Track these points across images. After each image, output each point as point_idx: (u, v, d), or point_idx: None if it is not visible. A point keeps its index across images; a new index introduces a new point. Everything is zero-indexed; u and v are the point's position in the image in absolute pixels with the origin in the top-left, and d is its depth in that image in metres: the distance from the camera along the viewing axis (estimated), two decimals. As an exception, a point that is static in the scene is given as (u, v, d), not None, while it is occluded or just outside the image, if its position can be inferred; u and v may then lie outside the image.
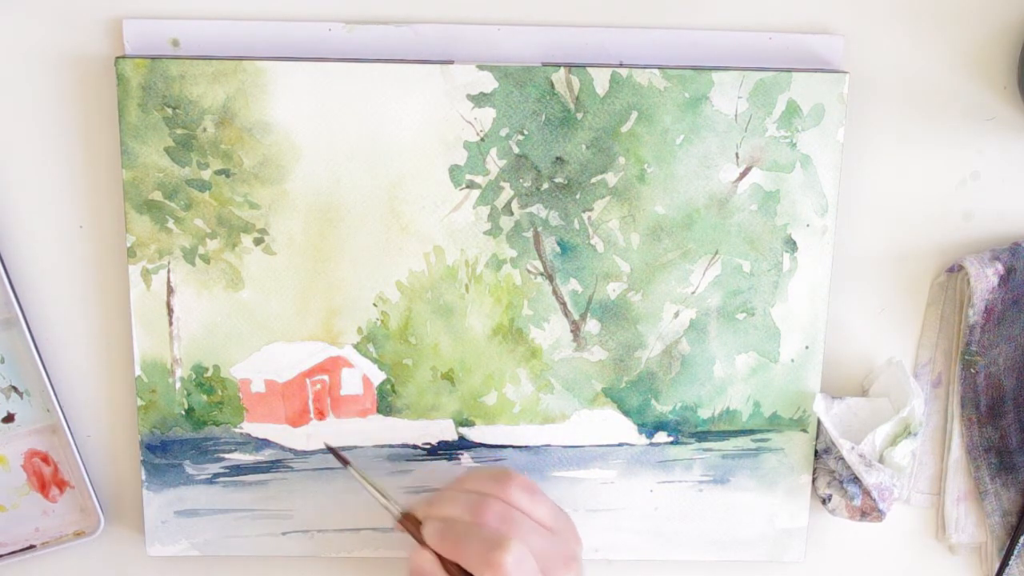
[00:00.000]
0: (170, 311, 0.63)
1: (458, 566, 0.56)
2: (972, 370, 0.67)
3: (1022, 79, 0.63)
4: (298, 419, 0.65)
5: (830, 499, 0.67)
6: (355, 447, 0.66)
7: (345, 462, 0.63)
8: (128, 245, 0.62)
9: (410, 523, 0.60)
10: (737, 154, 0.62)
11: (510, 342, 0.65)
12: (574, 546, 0.60)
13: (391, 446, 0.66)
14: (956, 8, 0.63)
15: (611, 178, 0.62)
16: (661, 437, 0.67)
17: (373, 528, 0.68)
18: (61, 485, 0.67)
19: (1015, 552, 0.70)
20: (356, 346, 0.64)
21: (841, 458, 0.65)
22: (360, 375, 0.65)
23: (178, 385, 0.64)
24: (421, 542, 0.58)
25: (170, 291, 0.63)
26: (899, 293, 0.68)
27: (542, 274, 0.64)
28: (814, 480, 0.68)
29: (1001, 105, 0.65)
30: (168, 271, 0.63)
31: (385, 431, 0.66)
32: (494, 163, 0.62)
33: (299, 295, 0.63)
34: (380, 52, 0.62)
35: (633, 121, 0.62)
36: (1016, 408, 0.69)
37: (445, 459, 0.67)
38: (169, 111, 0.60)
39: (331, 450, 0.64)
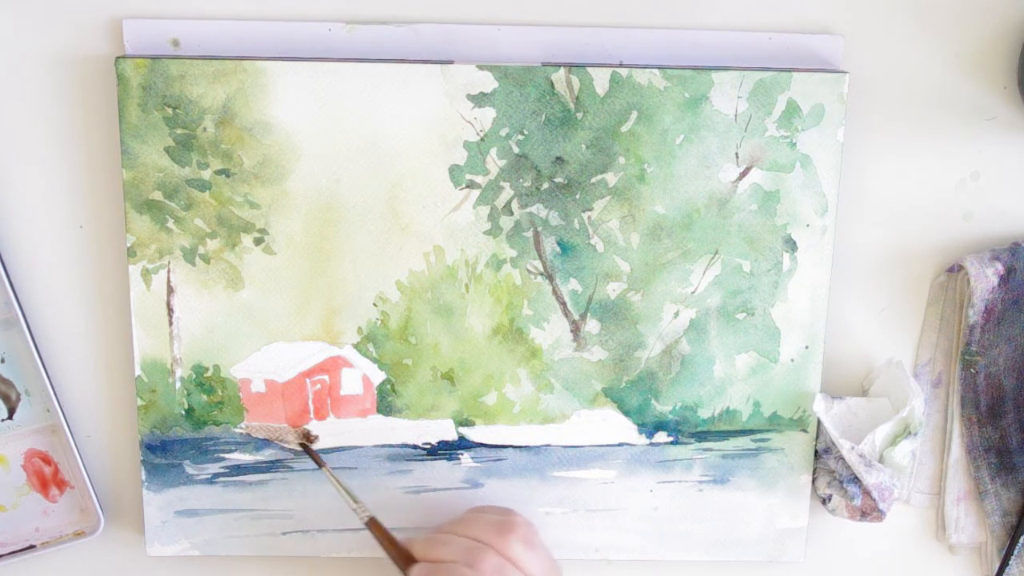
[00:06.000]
0: (170, 311, 0.63)
1: None
2: (972, 370, 0.67)
3: (1022, 79, 0.63)
4: (298, 419, 0.65)
5: (830, 499, 0.67)
6: (355, 447, 0.66)
7: (320, 464, 0.64)
8: (128, 245, 0.62)
9: (403, 561, 0.60)
10: (737, 154, 0.62)
11: (510, 342, 0.65)
12: None
13: (391, 446, 0.66)
14: (956, 8, 0.63)
15: (611, 178, 0.62)
16: (661, 437, 0.67)
17: (373, 528, 0.68)
18: (61, 485, 0.67)
19: (1015, 552, 0.69)
20: (356, 346, 0.64)
21: (841, 458, 0.65)
22: (360, 375, 0.65)
23: (178, 385, 0.64)
24: None
25: (170, 291, 0.63)
26: (899, 293, 0.68)
27: (542, 274, 0.64)
28: (814, 480, 0.68)
29: (1001, 105, 0.65)
30: (168, 271, 0.63)
31: (385, 431, 0.66)
32: (494, 163, 0.62)
33: (299, 295, 0.63)
34: (380, 52, 0.62)
35: (633, 121, 0.61)
36: (1016, 408, 0.69)
37: (445, 459, 0.67)
38: (169, 111, 0.60)
39: (306, 449, 0.65)
